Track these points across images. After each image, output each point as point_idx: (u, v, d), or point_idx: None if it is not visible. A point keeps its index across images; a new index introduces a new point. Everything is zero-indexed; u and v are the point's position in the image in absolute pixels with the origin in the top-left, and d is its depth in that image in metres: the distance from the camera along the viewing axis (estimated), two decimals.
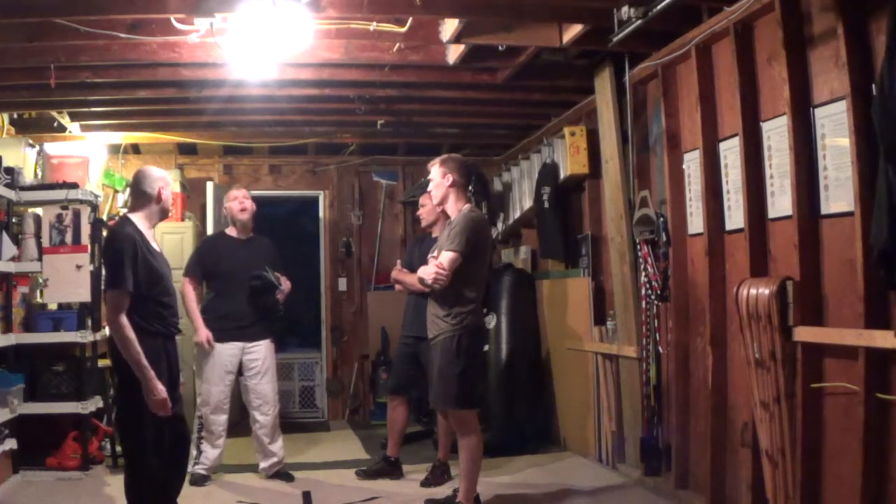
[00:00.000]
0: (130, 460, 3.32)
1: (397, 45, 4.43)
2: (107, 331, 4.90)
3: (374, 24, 4.19)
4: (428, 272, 3.91)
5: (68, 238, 4.88)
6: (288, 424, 6.40)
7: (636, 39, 3.96)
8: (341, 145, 7.29)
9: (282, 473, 4.85)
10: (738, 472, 3.71)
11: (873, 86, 2.78)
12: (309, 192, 7.59)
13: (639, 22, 3.62)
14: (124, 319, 3.15)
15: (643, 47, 4.38)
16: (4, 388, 4.56)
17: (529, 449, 5.57)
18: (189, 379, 5.14)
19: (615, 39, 3.84)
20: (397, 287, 4.97)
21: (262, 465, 4.87)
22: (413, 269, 4.37)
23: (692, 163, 4.14)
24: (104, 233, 5.07)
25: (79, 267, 4.85)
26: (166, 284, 3.39)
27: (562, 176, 5.63)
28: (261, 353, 4.83)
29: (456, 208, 4.06)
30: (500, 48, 4.47)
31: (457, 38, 4.24)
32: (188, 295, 4.77)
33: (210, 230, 6.31)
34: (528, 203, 6.27)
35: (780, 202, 3.44)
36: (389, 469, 4.89)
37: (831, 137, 3.10)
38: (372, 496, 4.44)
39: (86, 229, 4.90)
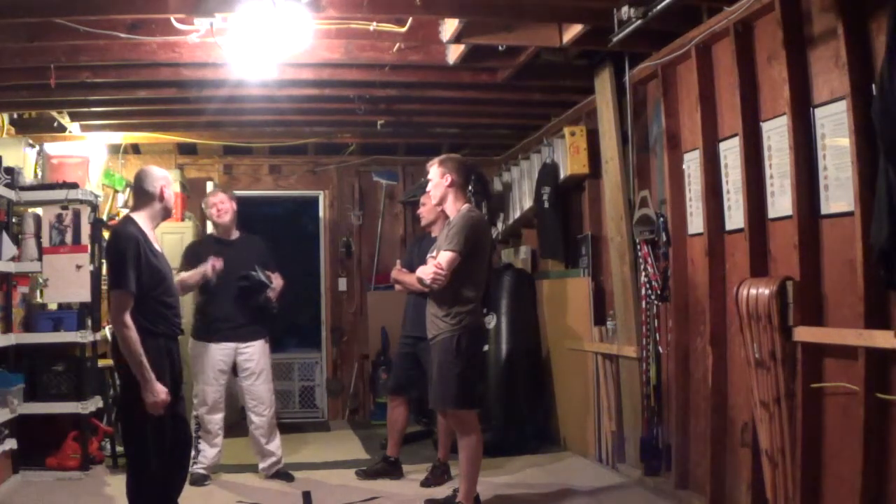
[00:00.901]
0: (132, 461, 3.32)
1: (397, 45, 4.43)
2: (107, 331, 4.92)
3: (374, 24, 4.20)
4: (426, 272, 3.91)
5: (68, 238, 4.87)
6: (288, 424, 6.42)
7: (636, 39, 3.96)
8: (341, 145, 7.29)
9: (282, 473, 4.85)
10: (737, 472, 3.71)
11: (873, 86, 2.78)
12: (309, 192, 7.59)
13: (639, 22, 3.62)
14: (128, 319, 3.15)
15: (643, 47, 4.38)
16: (4, 388, 4.55)
17: (529, 449, 5.56)
18: (187, 379, 5.12)
19: (615, 39, 3.84)
20: (397, 287, 4.97)
21: (262, 465, 4.87)
22: (412, 269, 4.36)
23: (692, 163, 4.14)
24: (104, 233, 5.08)
25: (79, 267, 4.85)
26: (169, 284, 3.39)
27: (562, 176, 5.63)
28: (254, 353, 4.81)
29: (455, 208, 4.06)
30: (500, 48, 4.47)
31: (457, 38, 4.24)
32: None
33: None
34: (528, 203, 6.27)
35: (780, 202, 3.44)
36: (389, 469, 4.89)
37: (831, 137, 3.10)
38: (372, 496, 4.44)
39: (86, 229, 4.89)
